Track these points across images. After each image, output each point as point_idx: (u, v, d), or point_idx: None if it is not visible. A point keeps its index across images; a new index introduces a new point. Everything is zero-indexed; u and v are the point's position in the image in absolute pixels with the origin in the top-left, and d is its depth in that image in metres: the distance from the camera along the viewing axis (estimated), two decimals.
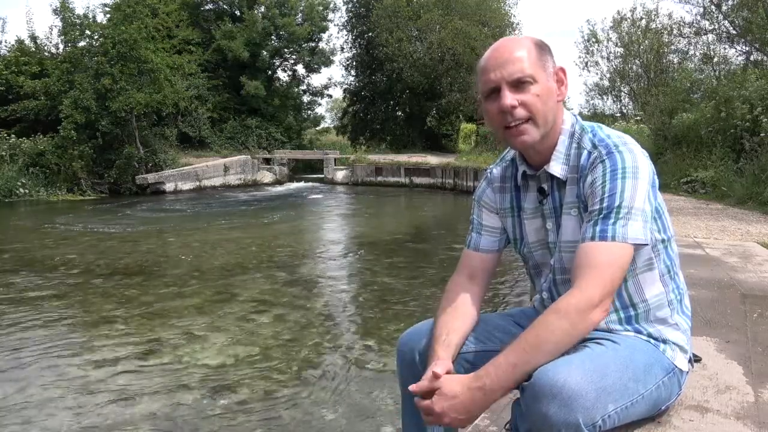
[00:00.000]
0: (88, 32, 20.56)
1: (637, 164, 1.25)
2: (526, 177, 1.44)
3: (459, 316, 1.40)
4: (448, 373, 1.23)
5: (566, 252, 1.36)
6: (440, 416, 1.17)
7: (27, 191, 18.32)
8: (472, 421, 1.20)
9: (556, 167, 1.35)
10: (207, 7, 29.65)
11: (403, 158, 24.28)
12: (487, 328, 1.45)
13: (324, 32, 31.54)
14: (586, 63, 20.56)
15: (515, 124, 1.29)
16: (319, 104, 35.57)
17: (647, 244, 1.26)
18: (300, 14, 30.30)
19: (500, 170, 1.52)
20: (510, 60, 1.28)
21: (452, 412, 1.16)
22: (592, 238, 1.21)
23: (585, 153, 1.32)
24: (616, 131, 1.34)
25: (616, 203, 1.21)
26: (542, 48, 1.33)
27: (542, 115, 1.30)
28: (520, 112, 1.28)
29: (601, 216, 1.22)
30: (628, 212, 1.21)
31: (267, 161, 25.78)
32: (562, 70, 1.35)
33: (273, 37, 29.56)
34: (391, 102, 30.85)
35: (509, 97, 1.27)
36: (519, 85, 1.28)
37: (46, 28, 40.91)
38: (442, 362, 1.26)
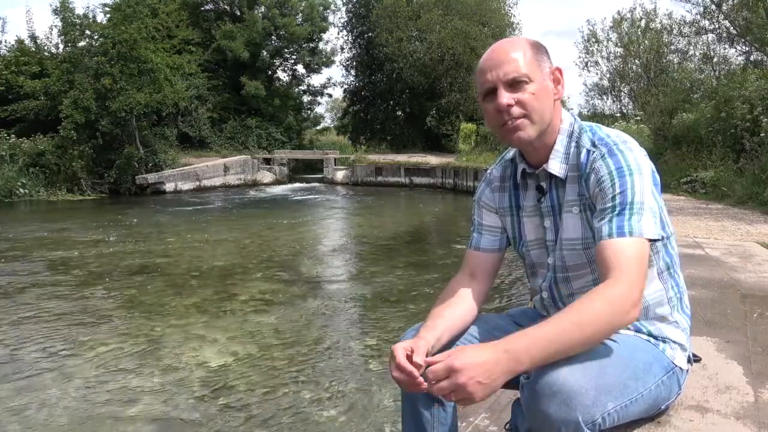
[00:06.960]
0: (88, 32, 20.54)
1: (639, 162, 1.26)
2: (525, 175, 1.45)
3: (450, 305, 1.42)
4: (413, 352, 1.20)
5: (567, 250, 1.37)
6: (458, 376, 1.05)
7: (27, 191, 18.32)
8: (487, 394, 1.07)
9: (555, 165, 1.37)
10: (207, 7, 29.66)
11: (403, 158, 24.27)
12: (487, 328, 1.45)
13: (324, 32, 31.60)
14: (586, 63, 20.64)
15: (511, 121, 1.31)
16: (319, 104, 35.66)
17: (659, 240, 1.26)
18: (300, 14, 30.31)
19: (500, 170, 1.54)
20: (506, 61, 1.30)
21: (473, 372, 1.05)
22: (610, 235, 1.21)
23: (584, 151, 1.33)
24: (615, 130, 1.36)
25: (629, 199, 1.22)
26: (538, 48, 1.35)
27: (538, 113, 1.31)
28: (516, 110, 1.30)
29: (615, 213, 1.22)
30: (641, 208, 1.22)
31: (267, 161, 25.76)
32: (559, 69, 1.37)
33: (273, 37, 29.59)
34: (391, 102, 30.82)
35: (505, 96, 1.29)
36: (515, 84, 1.30)
37: (46, 28, 40.92)
38: (419, 342, 1.25)
